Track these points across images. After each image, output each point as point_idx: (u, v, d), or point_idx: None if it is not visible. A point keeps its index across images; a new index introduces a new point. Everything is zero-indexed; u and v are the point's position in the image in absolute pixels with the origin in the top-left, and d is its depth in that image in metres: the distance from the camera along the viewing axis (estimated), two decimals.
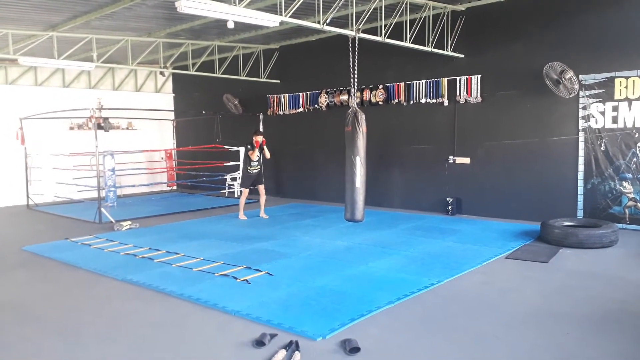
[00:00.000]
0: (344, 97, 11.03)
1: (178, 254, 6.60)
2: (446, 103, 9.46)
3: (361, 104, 10.45)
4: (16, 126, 11.50)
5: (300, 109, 11.93)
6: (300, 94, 11.90)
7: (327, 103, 11.36)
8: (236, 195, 12.81)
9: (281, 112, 12.34)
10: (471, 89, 9.13)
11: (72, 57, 9.93)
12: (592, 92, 7.85)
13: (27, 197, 11.82)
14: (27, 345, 3.91)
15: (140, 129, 14.37)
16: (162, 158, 14.87)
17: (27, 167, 11.78)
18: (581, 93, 7.92)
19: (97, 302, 4.95)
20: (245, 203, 9.79)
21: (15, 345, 3.92)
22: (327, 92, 11.35)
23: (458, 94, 9.29)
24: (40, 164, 11.98)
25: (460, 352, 3.62)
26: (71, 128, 13.25)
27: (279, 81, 12.28)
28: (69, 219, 9.98)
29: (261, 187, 9.67)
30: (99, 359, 3.63)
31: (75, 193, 11.73)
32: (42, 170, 12.01)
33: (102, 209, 9.46)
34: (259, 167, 9.53)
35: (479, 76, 9.03)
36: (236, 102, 13.04)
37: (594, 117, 7.86)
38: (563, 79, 7.76)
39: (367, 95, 10.51)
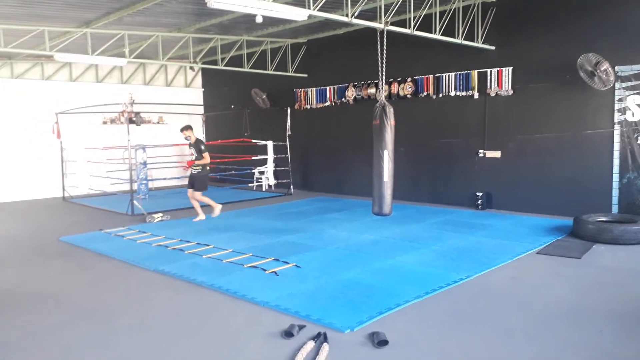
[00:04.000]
0: (372, 90, 10.97)
1: (208, 245, 6.72)
2: (476, 96, 9.31)
3: (389, 97, 10.39)
4: (52, 120, 11.86)
5: (328, 103, 11.93)
6: (328, 87, 11.89)
7: (355, 97, 11.32)
8: (264, 189, 12.93)
9: (308, 106, 12.37)
10: (502, 81, 8.96)
11: (105, 53, 10.17)
12: (629, 84, 7.60)
13: (63, 189, 12.20)
14: (64, 331, 4.06)
15: (171, 123, 14.62)
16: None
17: (62, 161, 12.15)
18: (617, 85, 7.68)
19: (130, 291, 5.09)
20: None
21: (54, 330, 4.08)
22: (354, 86, 11.32)
23: (489, 87, 9.13)
24: (75, 158, 12.32)
25: (489, 347, 3.58)
26: (104, 122, 13.59)
27: (306, 75, 12.30)
28: (103, 211, 10.26)
29: (189, 192, 8.77)
30: (132, 346, 3.74)
31: (108, 186, 12.05)
32: (77, 164, 12.35)
33: (135, 202, 9.69)
34: (198, 167, 8.59)
35: (511, 68, 8.85)
36: (264, 96, 13.13)
37: (630, 109, 7.62)
38: (598, 71, 7.54)
39: (395, 88, 10.43)
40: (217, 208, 8.84)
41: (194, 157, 8.63)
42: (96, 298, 4.88)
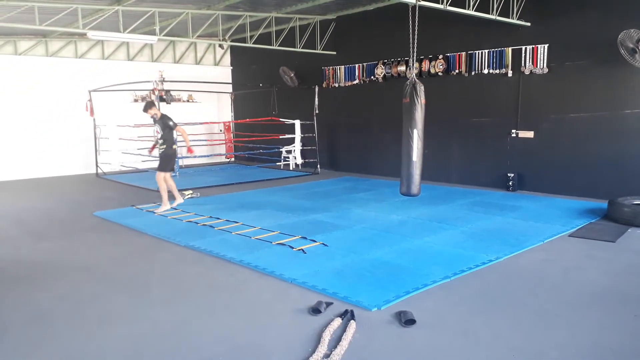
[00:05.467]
0: (402, 68, 10.79)
1: (237, 222, 6.81)
2: (510, 74, 9.05)
3: (420, 75, 10.20)
4: (85, 98, 12.09)
5: (356, 81, 11.80)
6: (357, 65, 11.75)
7: (384, 74, 11.16)
8: (291, 168, 12.98)
9: (336, 85, 12.26)
10: (537, 59, 8.68)
11: (136, 30, 10.26)
12: None
13: (97, 166, 12.50)
14: (99, 301, 4.20)
15: (200, 101, 14.74)
16: (220, 130, 15.23)
17: (96, 138, 12.42)
18: None
19: (161, 265, 5.22)
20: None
21: (90, 300, 4.23)
22: (384, 63, 11.15)
23: (523, 65, 8.86)
24: (107, 135, 12.58)
25: (518, 329, 3.55)
26: (135, 100, 13.77)
27: (334, 53, 12.17)
28: (135, 187, 10.49)
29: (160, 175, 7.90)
30: (164, 317, 3.84)
31: (139, 163, 12.29)
32: (110, 141, 12.63)
33: None
34: (163, 146, 7.84)
35: (546, 45, 8.55)
36: (292, 74, 13.07)
37: None
38: None
39: (426, 65, 10.22)
40: (164, 206, 7.82)
41: (159, 135, 7.82)
42: (129, 271, 5.02)
